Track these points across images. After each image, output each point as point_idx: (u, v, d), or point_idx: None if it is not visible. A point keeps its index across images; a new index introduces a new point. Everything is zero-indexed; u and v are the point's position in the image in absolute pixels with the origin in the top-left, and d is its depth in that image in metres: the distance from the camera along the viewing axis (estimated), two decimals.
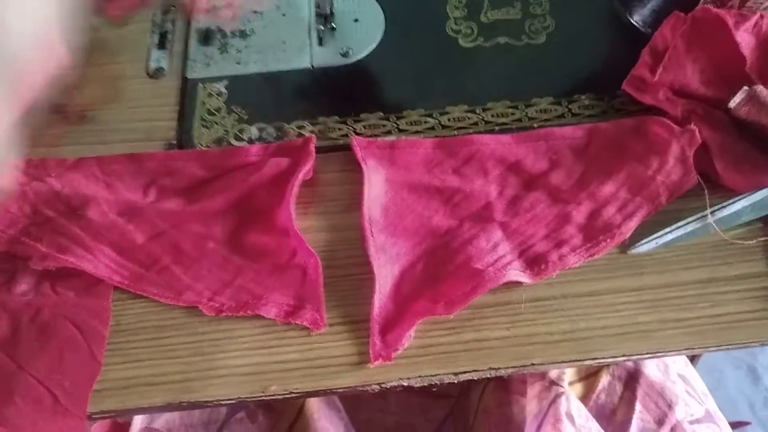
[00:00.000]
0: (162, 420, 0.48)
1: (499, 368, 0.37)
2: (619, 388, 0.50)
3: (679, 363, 0.53)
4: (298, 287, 0.39)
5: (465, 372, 0.37)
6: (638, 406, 0.48)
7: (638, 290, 0.39)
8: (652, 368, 0.51)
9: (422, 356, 0.37)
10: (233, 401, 0.36)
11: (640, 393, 0.49)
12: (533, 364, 0.37)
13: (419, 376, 0.37)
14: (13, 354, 0.37)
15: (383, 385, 0.37)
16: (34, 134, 0.45)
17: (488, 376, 0.37)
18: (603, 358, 0.37)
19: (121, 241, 0.40)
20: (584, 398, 0.49)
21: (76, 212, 0.40)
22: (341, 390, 0.37)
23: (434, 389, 0.56)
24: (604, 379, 0.50)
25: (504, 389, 0.52)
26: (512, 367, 0.37)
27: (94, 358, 0.37)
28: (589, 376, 0.51)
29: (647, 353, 0.38)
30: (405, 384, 0.37)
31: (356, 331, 0.38)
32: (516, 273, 0.38)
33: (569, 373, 0.49)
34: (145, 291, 0.39)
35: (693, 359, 0.65)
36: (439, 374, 0.37)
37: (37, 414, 0.36)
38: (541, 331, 0.38)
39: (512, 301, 0.38)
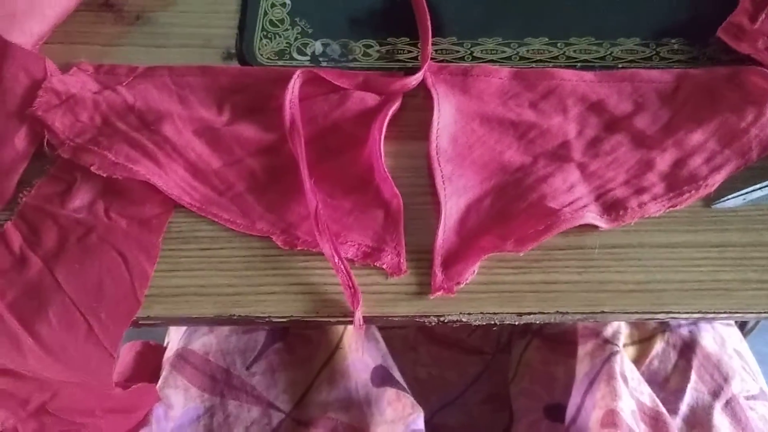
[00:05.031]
0: (199, 343, 0.47)
1: (567, 312, 0.34)
2: (673, 356, 0.47)
3: (734, 338, 0.51)
4: (379, 228, 0.36)
5: (530, 313, 0.34)
6: (693, 376, 0.46)
7: (720, 246, 0.36)
8: (708, 339, 0.48)
9: (485, 293, 0.35)
10: (284, 320, 0.34)
11: (695, 363, 0.47)
12: (603, 312, 0.35)
13: (481, 313, 0.34)
14: (55, 270, 0.35)
15: (442, 319, 0.35)
16: (88, 31, 0.44)
17: (553, 320, 0.35)
18: (678, 312, 0.35)
19: (196, 163, 0.37)
20: (636, 363, 0.47)
21: (150, 127, 0.38)
22: (398, 318, 0.35)
23: (493, 326, 0.54)
24: (658, 346, 0.48)
25: (549, 348, 0.50)
26: (581, 312, 0.34)
27: (135, 296, 0.35)
28: (642, 341, 0.48)
29: (725, 312, 0.35)
30: (464, 320, 0.35)
31: (417, 261, 0.36)
32: (593, 216, 0.36)
33: (623, 336, 0.47)
34: (216, 216, 0.36)
35: None
36: (502, 312, 0.34)
37: (69, 338, 0.34)
38: (615, 279, 0.35)
39: (585, 246, 0.36)
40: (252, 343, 0.47)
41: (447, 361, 0.60)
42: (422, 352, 0.61)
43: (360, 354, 0.46)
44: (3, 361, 0.36)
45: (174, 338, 0.50)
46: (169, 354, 0.48)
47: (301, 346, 0.47)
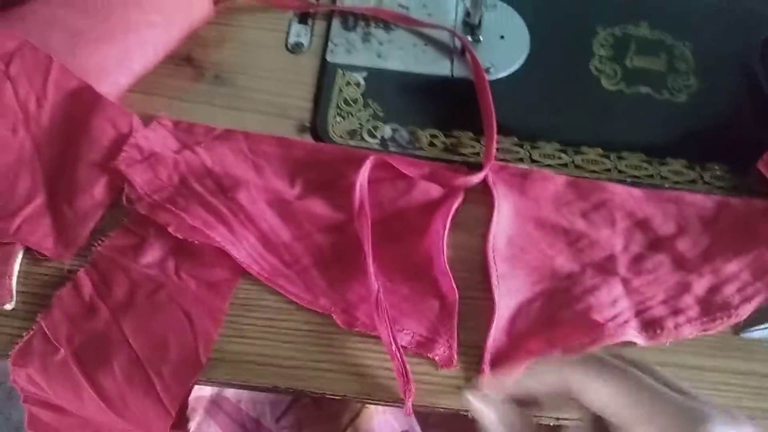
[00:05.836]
0: (231, 390, 0.48)
1: None
2: None
3: None
4: (434, 318, 0.38)
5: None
6: None
7: (745, 374, 0.39)
8: None
9: None
10: (339, 397, 0.36)
11: None
12: None
13: None
14: (122, 322, 0.36)
15: None
16: (167, 84, 0.46)
17: None
18: None
19: (267, 233, 0.39)
20: None
21: (227, 194, 0.40)
22: (442, 409, 0.37)
23: None
24: None
25: None
26: None
27: (198, 357, 0.36)
28: None
29: None
30: None
31: (465, 354, 0.38)
32: (633, 333, 0.38)
33: None
34: (282, 288, 0.38)
35: None
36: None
37: (130, 392, 0.35)
38: None
39: None
40: (281, 396, 0.49)
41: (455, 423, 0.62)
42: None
43: (386, 416, 0.48)
44: (61, 402, 0.37)
45: None
46: (199, 394, 0.49)
47: (328, 403, 0.49)
